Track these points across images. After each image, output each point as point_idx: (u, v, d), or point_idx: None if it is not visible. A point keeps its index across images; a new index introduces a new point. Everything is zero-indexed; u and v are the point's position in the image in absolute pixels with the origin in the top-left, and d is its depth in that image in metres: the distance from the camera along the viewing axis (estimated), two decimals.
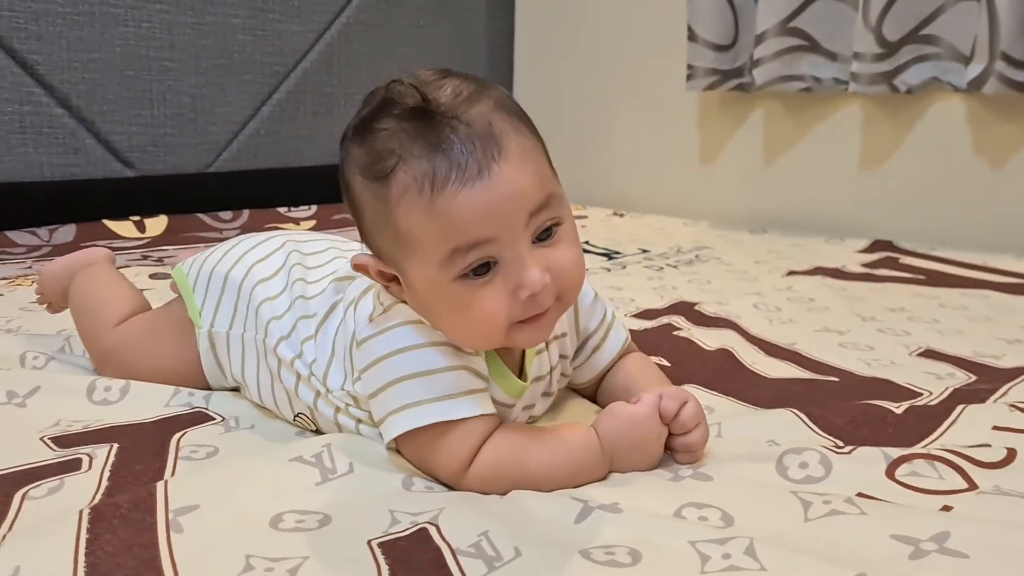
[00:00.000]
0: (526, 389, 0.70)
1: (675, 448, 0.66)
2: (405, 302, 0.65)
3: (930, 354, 0.99)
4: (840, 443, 0.69)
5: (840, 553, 0.53)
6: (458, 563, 0.52)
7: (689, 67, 1.98)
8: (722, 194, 2.09)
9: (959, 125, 1.73)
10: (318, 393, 0.71)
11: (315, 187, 1.97)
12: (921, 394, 0.83)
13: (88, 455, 0.68)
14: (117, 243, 1.68)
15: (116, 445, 0.70)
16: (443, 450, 0.62)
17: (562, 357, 0.77)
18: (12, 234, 1.66)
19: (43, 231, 1.69)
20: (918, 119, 1.78)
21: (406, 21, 2.21)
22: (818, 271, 1.46)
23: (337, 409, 0.70)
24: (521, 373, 0.71)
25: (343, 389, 0.69)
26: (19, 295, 1.26)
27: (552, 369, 0.75)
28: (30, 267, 1.48)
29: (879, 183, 1.84)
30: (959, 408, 0.75)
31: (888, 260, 1.58)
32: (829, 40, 1.83)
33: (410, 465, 0.65)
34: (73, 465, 0.67)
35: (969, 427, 0.72)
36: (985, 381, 0.87)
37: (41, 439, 0.72)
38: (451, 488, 0.63)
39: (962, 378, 0.90)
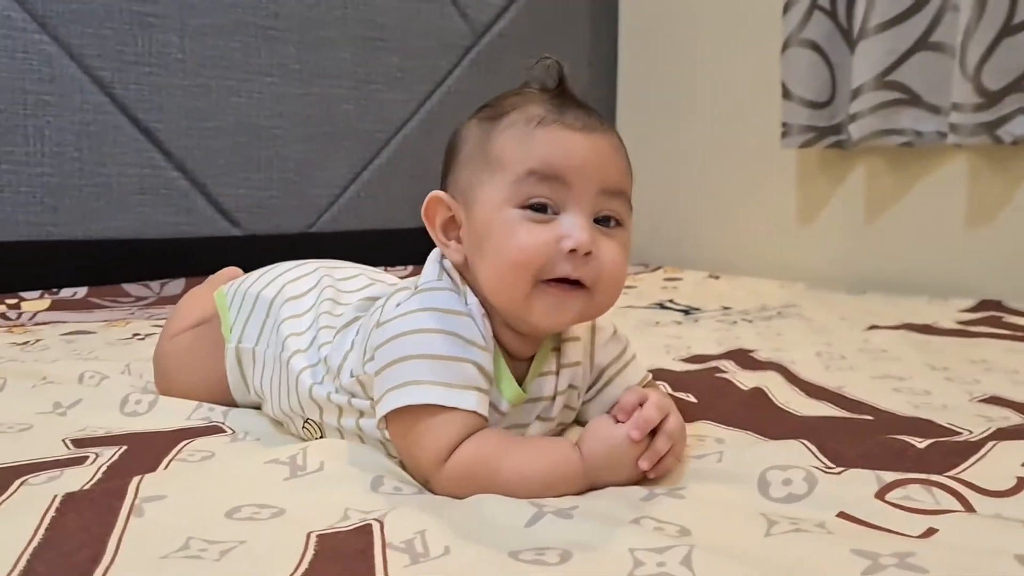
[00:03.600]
0: (524, 399, 0.70)
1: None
2: (454, 264, 0.69)
3: (993, 400, 0.90)
4: (833, 465, 0.64)
5: (788, 566, 0.49)
6: (384, 556, 0.52)
7: (784, 125, 1.94)
8: (821, 254, 2.01)
9: None
10: (316, 386, 0.74)
11: (411, 248, 2.03)
12: (959, 433, 0.76)
13: (95, 454, 0.72)
14: None
15: (124, 447, 0.74)
16: (430, 433, 0.62)
17: (571, 387, 0.75)
18: (126, 286, 1.80)
19: (155, 284, 1.83)
20: None
21: (504, 90, 2.28)
22: (904, 326, 1.37)
23: (340, 410, 0.72)
24: (522, 386, 0.70)
25: (352, 376, 0.70)
26: (111, 333, 1.36)
27: (556, 395, 0.73)
28: (132, 313, 1.59)
29: (987, 240, 1.72)
30: (990, 444, 0.68)
31: (991, 319, 1.47)
32: (930, 93, 1.76)
33: (386, 463, 0.66)
34: (78, 461, 0.70)
35: (994, 466, 0.65)
36: None
37: (63, 440, 0.77)
38: (424, 487, 0.63)
39: (1016, 421, 0.81)
